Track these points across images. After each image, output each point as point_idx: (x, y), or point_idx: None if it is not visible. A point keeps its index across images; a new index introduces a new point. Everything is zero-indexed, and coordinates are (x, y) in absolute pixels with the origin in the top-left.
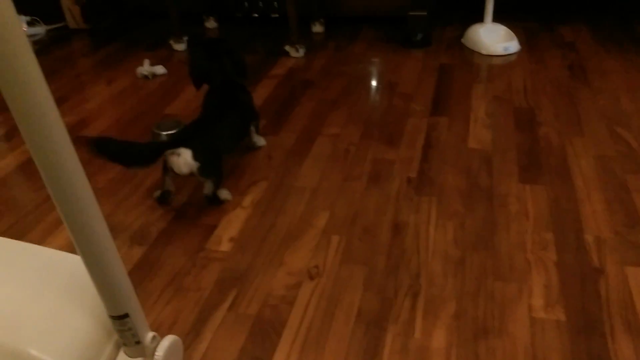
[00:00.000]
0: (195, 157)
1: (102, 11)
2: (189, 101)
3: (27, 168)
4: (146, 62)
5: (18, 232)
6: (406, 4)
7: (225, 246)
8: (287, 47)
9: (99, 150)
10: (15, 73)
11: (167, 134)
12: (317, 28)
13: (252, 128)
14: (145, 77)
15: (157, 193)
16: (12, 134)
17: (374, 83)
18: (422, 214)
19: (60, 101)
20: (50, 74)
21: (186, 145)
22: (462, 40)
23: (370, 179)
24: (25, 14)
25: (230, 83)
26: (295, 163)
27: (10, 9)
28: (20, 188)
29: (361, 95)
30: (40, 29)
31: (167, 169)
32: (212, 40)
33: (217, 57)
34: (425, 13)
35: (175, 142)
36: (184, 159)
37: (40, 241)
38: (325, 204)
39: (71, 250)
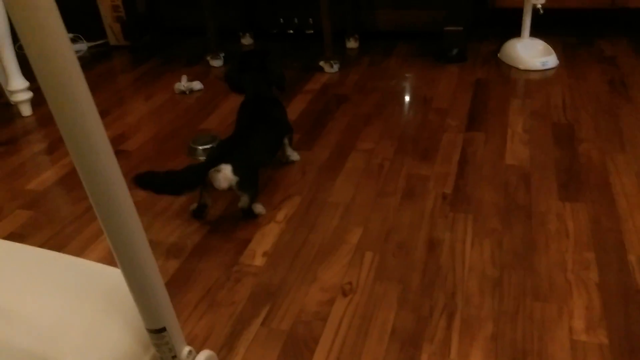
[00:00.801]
0: (235, 171)
1: (142, 28)
2: (225, 116)
3: (68, 181)
4: (184, 78)
5: (57, 244)
6: (441, 19)
7: (258, 261)
8: (321, 63)
9: (144, 186)
10: (64, 89)
11: (203, 148)
12: (352, 44)
13: (286, 142)
14: (183, 92)
15: (194, 206)
16: (54, 148)
17: (408, 98)
18: (457, 231)
19: (101, 115)
20: (91, 89)
21: (226, 161)
22: (499, 55)
23: (405, 194)
24: (69, 32)
25: (262, 96)
26: (328, 178)
27: (61, 29)
28: (60, 200)
29: (395, 110)
30: (82, 46)
31: (205, 183)
32: (253, 52)
33: (251, 70)
34: (461, 28)
35: (216, 159)
36: (224, 174)
37: (79, 253)
38: (358, 219)
39: (110, 262)
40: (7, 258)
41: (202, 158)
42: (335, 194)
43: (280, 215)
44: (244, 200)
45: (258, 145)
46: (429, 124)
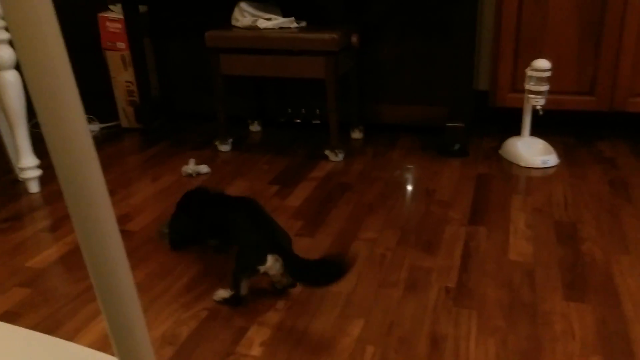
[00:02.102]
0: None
1: (154, 113)
2: None
3: (69, 260)
4: (191, 161)
5: (52, 324)
6: (443, 115)
7: (255, 350)
8: (326, 151)
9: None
10: (77, 167)
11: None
12: (357, 134)
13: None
14: (190, 175)
15: (225, 294)
16: (58, 226)
17: (411, 189)
18: (461, 327)
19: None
20: (102, 168)
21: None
22: (500, 151)
23: (407, 286)
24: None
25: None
26: None
27: (80, 112)
28: (59, 279)
29: (398, 201)
30: (95, 127)
31: (257, 270)
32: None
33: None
34: (462, 124)
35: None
36: (280, 261)
37: (73, 335)
38: (360, 310)
39: (103, 347)
40: None
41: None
42: (337, 283)
43: (280, 303)
44: (283, 281)
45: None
46: (431, 216)
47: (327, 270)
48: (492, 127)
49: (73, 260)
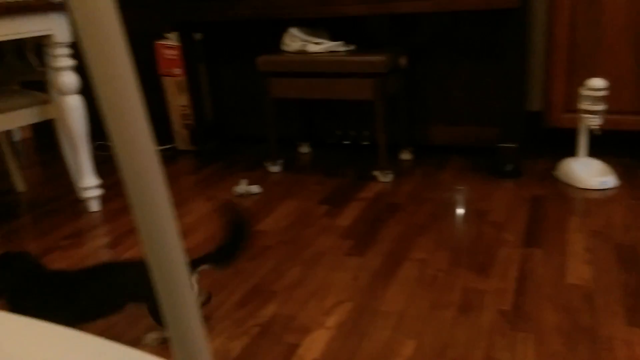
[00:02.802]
0: None
1: (208, 135)
2: (279, 220)
3: None
4: (243, 181)
5: (115, 335)
6: (494, 136)
7: None
8: (375, 172)
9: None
10: (145, 184)
11: None
12: (406, 155)
13: None
14: (241, 195)
15: (158, 334)
16: (117, 242)
17: (462, 210)
18: (518, 351)
19: None
20: None
21: None
22: (554, 172)
23: (460, 308)
24: None
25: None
26: (381, 286)
27: (149, 138)
28: None
29: (449, 222)
30: None
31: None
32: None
33: None
34: (515, 145)
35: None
36: None
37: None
38: (411, 331)
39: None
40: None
41: None
42: (388, 302)
43: (331, 321)
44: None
45: None
46: (484, 238)
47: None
48: (544, 148)
49: None
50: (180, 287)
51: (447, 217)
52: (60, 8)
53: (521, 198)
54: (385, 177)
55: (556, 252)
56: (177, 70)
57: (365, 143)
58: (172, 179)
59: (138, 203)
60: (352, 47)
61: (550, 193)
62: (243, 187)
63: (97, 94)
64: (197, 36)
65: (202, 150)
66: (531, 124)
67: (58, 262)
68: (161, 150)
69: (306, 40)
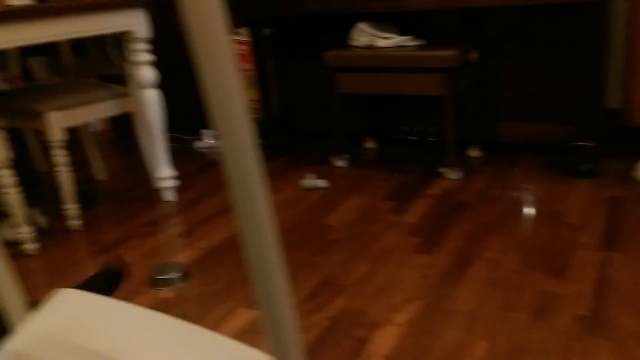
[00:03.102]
0: None
1: (275, 129)
2: (345, 214)
3: (201, 263)
4: (310, 175)
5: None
6: (569, 134)
7: None
8: (443, 169)
9: None
10: (245, 167)
11: (165, 278)
12: (475, 152)
13: None
14: (307, 189)
15: None
16: (191, 232)
17: (535, 210)
18: (595, 358)
19: (230, 207)
20: (224, 182)
21: None
22: (634, 173)
23: (534, 311)
24: (209, 129)
25: None
26: (451, 285)
27: (248, 128)
28: (193, 281)
29: (521, 222)
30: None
31: None
32: None
33: None
34: (592, 144)
35: None
36: None
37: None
38: (483, 333)
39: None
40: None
41: (165, 288)
42: (459, 302)
43: (401, 318)
44: None
45: None
46: (559, 239)
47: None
48: (623, 147)
49: (205, 264)
50: (273, 274)
51: (519, 217)
52: (139, 5)
53: (598, 199)
54: (453, 174)
55: (637, 256)
56: (247, 65)
57: (432, 139)
58: None
59: (236, 188)
60: (421, 42)
61: (630, 194)
62: (310, 181)
63: (203, 86)
64: (267, 31)
65: (269, 143)
66: (609, 122)
67: (136, 249)
68: None
69: (374, 35)
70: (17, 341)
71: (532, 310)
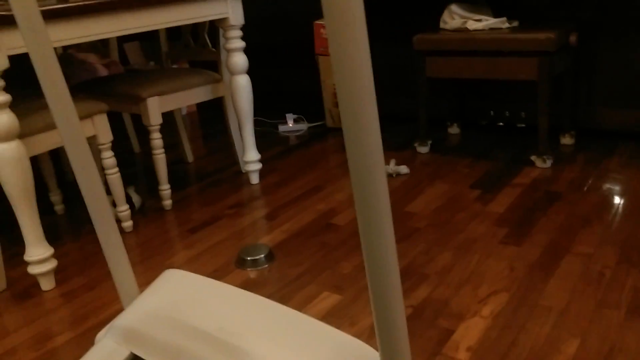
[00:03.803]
0: None
1: None
2: (428, 202)
3: (284, 246)
4: (392, 161)
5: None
6: None
7: (462, 355)
8: (533, 157)
9: None
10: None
11: (252, 259)
12: (567, 140)
13: None
14: (390, 175)
15: None
16: (275, 215)
17: (632, 204)
18: None
19: (314, 190)
20: (308, 165)
21: None
22: None
23: (631, 310)
24: (294, 113)
25: None
26: (540, 279)
27: (375, 117)
28: (277, 263)
29: (618, 214)
30: (303, 126)
31: None
32: None
33: None
34: None
35: None
36: None
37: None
38: (575, 329)
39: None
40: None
41: (251, 269)
42: (548, 297)
43: (486, 310)
44: None
45: None
46: None
47: None
48: None
49: (288, 247)
50: (388, 271)
51: (615, 210)
52: None
53: None
54: (543, 163)
55: None
56: None
57: (521, 125)
58: (322, 156)
59: (357, 177)
60: (514, 24)
61: None
62: (392, 166)
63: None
64: None
65: None
66: None
67: (223, 230)
68: (312, 128)
69: (466, 17)
70: (127, 317)
71: (628, 309)
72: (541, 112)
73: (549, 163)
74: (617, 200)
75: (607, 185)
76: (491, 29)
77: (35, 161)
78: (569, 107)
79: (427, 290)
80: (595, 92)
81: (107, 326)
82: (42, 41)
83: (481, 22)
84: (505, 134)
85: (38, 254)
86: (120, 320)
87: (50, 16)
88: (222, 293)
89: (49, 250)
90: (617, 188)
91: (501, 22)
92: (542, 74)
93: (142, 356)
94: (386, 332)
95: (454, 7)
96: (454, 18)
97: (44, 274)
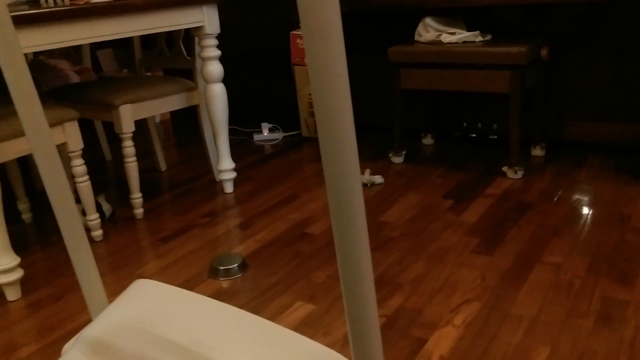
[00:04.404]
0: None
1: None
2: (402, 211)
3: (258, 256)
4: (367, 171)
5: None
6: None
7: None
8: (504, 168)
9: None
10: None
11: (224, 269)
12: (537, 151)
13: None
14: (365, 185)
15: None
16: (248, 225)
17: (601, 214)
18: None
19: (289, 199)
20: (283, 174)
21: None
22: None
23: (599, 319)
24: (270, 122)
25: None
26: (511, 288)
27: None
28: (250, 273)
29: (587, 225)
30: (278, 135)
31: None
32: None
33: None
34: None
35: None
36: None
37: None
38: (545, 338)
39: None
40: (234, 324)
41: (223, 279)
42: (519, 306)
43: (458, 319)
44: None
45: None
46: (627, 245)
47: None
48: None
49: (262, 257)
50: (363, 277)
51: (584, 220)
52: (213, 1)
53: None
54: (515, 174)
55: None
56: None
57: (493, 137)
58: (297, 165)
59: (331, 180)
60: (487, 37)
61: None
62: (367, 176)
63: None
64: None
65: None
66: None
67: (196, 239)
68: (287, 137)
69: (441, 30)
70: (95, 328)
71: (597, 317)
72: (512, 124)
73: (520, 174)
74: (586, 210)
75: (576, 196)
76: (465, 42)
77: (3, 169)
78: (540, 119)
79: (401, 299)
80: (565, 105)
81: (75, 337)
82: (12, 46)
83: (455, 36)
84: (477, 145)
85: (4, 263)
86: (88, 332)
87: (22, 21)
88: (193, 303)
89: (15, 260)
90: (586, 199)
91: (474, 36)
92: (514, 87)
93: None
94: (360, 342)
95: (428, 20)
96: (428, 31)
97: (9, 284)
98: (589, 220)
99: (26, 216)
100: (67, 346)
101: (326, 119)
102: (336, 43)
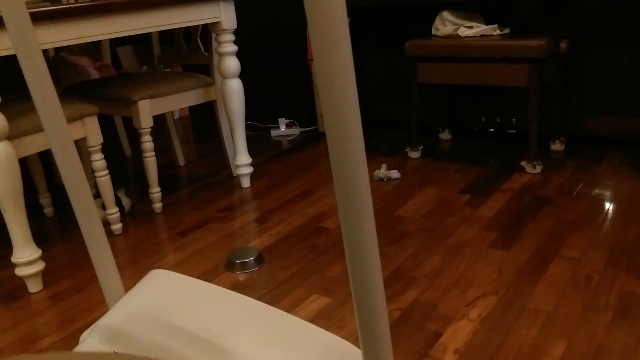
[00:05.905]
0: None
1: None
2: (418, 206)
3: (274, 250)
4: (383, 166)
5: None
6: None
7: (450, 357)
8: (523, 163)
9: None
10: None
11: (241, 262)
12: (557, 146)
13: None
14: (381, 179)
15: None
16: (265, 219)
17: (621, 209)
18: None
19: (305, 194)
20: (299, 169)
21: None
22: None
23: (617, 313)
24: (287, 117)
25: None
26: (528, 283)
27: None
28: (266, 267)
29: (606, 220)
30: (295, 130)
31: None
32: None
33: None
34: None
35: None
36: None
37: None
38: (562, 332)
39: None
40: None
41: (240, 272)
42: (535, 300)
43: (474, 313)
44: None
45: None
46: None
47: None
48: None
49: (278, 250)
50: (370, 268)
51: (603, 215)
52: None
53: None
54: (533, 169)
55: None
56: None
57: (511, 131)
58: (314, 160)
59: (339, 178)
60: (506, 31)
61: None
62: (383, 171)
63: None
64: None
65: None
66: None
67: (214, 233)
68: (304, 132)
69: (458, 24)
70: (111, 317)
71: (615, 312)
72: (531, 119)
73: (538, 169)
74: (605, 205)
75: (596, 191)
76: (482, 35)
77: (25, 163)
78: (559, 113)
79: (416, 293)
80: (585, 99)
81: (92, 326)
82: (30, 43)
83: (473, 29)
84: (495, 140)
85: (26, 255)
86: (105, 320)
87: (41, 18)
88: (208, 293)
89: (36, 252)
90: (605, 194)
91: (492, 29)
92: (533, 80)
93: None
94: (368, 331)
95: (446, 14)
96: (445, 25)
97: (31, 276)
98: (608, 215)
99: (48, 210)
100: (85, 335)
101: (333, 116)
102: (342, 38)
